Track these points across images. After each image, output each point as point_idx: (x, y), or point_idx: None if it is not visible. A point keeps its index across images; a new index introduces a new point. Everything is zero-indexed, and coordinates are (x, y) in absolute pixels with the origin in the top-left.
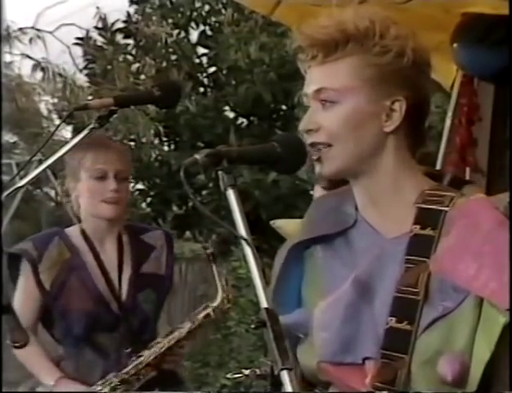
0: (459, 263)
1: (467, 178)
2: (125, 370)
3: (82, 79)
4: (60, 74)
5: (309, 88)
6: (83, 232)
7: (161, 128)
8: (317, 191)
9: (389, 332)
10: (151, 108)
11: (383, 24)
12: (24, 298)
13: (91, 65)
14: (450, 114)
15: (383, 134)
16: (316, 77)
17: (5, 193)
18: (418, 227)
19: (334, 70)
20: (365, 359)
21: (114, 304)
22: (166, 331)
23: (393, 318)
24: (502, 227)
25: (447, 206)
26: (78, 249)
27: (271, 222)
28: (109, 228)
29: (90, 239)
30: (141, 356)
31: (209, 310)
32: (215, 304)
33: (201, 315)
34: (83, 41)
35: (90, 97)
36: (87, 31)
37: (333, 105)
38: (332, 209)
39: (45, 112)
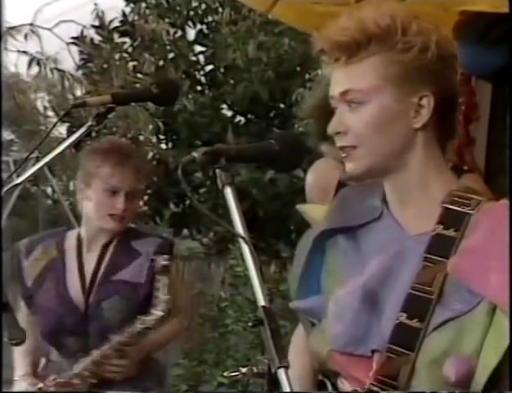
0: (476, 268)
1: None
2: (66, 374)
3: (79, 74)
4: (57, 69)
5: (335, 90)
6: (79, 236)
7: (160, 124)
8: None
9: (398, 327)
10: (151, 104)
11: (404, 20)
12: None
13: (88, 65)
14: None
15: (412, 131)
16: (341, 79)
17: (3, 190)
18: (441, 226)
19: (359, 71)
20: (373, 351)
21: (81, 309)
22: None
23: (404, 314)
24: None
25: (473, 210)
26: (66, 251)
27: (298, 206)
28: (104, 234)
29: (81, 242)
30: (80, 362)
31: (146, 324)
32: (153, 317)
33: (137, 328)
34: (78, 40)
35: (87, 95)
36: (82, 30)
37: (360, 106)
38: (359, 201)
39: (42, 109)
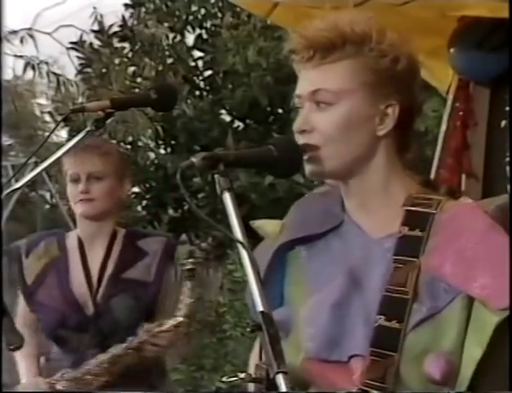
0: (451, 264)
1: (462, 183)
2: (78, 370)
3: (78, 79)
4: (53, 73)
5: (304, 89)
6: (79, 235)
7: (160, 128)
8: None
9: (378, 330)
10: (149, 109)
11: (379, 29)
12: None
13: (86, 70)
14: (445, 118)
15: (375, 138)
16: (312, 78)
17: (2, 195)
18: (406, 228)
19: (332, 72)
20: (351, 356)
21: (88, 306)
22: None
23: (382, 317)
24: (493, 229)
25: (435, 209)
26: (68, 250)
27: (251, 222)
28: (97, 229)
29: (82, 241)
30: (95, 359)
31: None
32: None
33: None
34: (78, 45)
35: (86, 100)
36: (81, 35)
37: (328, 106)
38: (318, 209)
39: (39, 114)
